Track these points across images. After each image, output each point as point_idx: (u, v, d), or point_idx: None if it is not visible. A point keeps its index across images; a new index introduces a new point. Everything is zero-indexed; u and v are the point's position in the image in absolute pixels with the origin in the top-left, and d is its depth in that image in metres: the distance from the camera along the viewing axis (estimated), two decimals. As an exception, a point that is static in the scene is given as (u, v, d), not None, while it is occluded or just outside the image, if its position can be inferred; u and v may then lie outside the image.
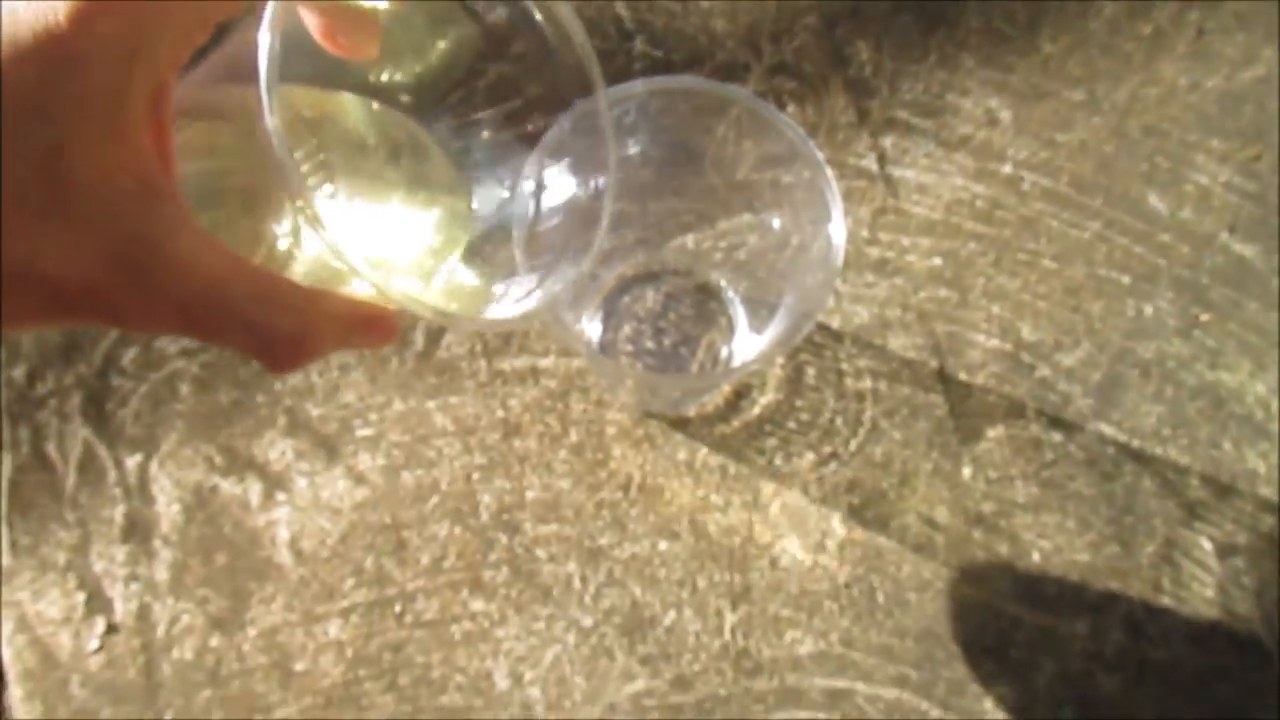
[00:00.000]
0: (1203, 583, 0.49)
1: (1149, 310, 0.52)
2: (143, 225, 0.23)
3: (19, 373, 0.52)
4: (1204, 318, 0.52)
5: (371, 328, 0.28)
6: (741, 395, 0.51)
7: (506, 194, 0.38)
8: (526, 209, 0.40)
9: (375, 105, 0.34)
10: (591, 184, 0.38)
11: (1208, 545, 0.49)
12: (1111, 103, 0.54)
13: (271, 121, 0.23)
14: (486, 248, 0.37)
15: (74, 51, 0.22)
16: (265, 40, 0.24)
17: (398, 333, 0.30)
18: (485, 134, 0.39)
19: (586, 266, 0.35)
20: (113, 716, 0.48)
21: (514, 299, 0.35)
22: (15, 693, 0.49)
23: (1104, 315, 0.52)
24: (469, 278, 0.36)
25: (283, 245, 0.28)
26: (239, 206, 0.28)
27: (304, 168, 0.29)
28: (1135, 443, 0.50)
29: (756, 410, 0.51)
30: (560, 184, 0.41)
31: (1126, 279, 0.52)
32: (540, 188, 0.41)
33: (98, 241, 0.23)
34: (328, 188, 0.30)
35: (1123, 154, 0.54)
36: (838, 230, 0.41)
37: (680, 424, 0.51)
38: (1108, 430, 0.50)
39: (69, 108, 0.22)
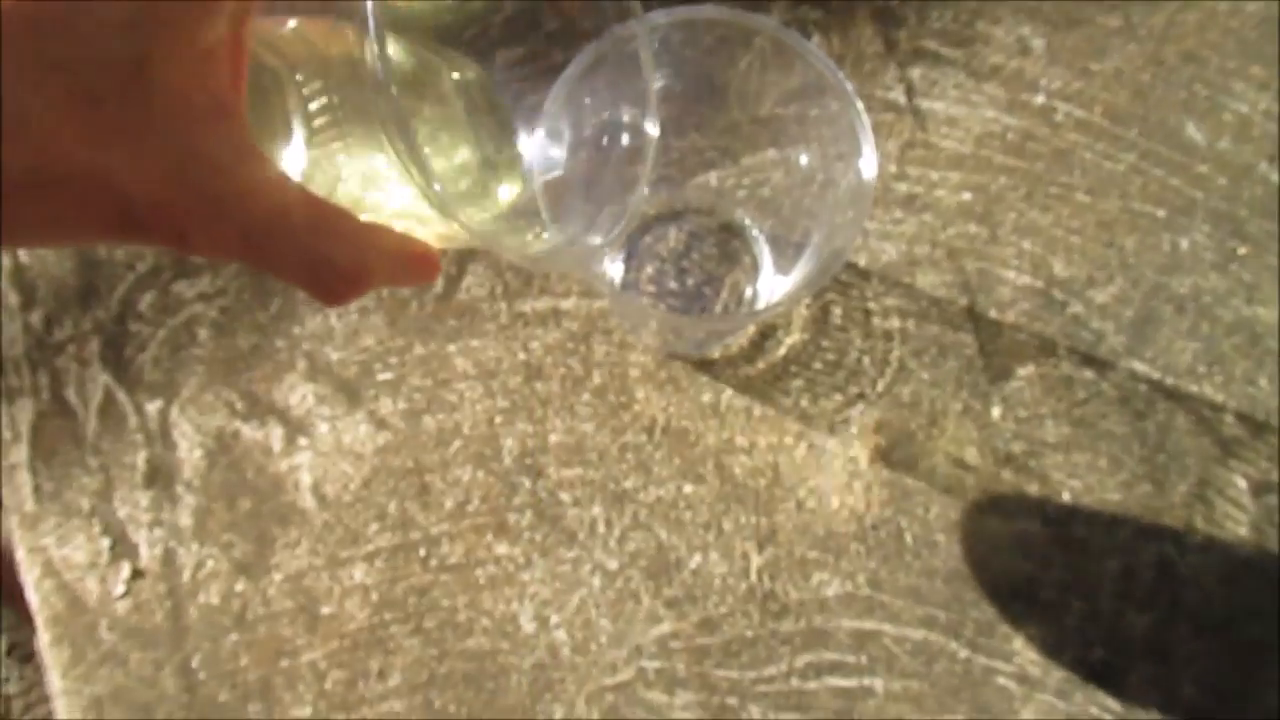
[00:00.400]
0: (1237, 521, 0.48)
1: (1185, 244, 0.50)
2: (214, 146, 0.23)
3: (36, 318, 0.51)
4: (1241, 251, 0.50)
5: (419, 264, 0.28)
6: (766, 336, 0.50)
7: (527, 134, 0.37)
8: (547, 149, 0.39)
9: (454, 55, 0.34)
10: (624, 117, 0.37)
11: (1242, 483, 0.48)
12: (1148, 29, 0.52)
13: (376, 50, 0.23)
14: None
15: None
16: None
17: (440, 270, 0.30)
18: (503, 71, 0.38)
19: (637, 201, 0.34)
20: (141, 659, 0.48)
21: (569, 237, 0.35)
22: (44, 637, 0.49)
23: (1138, 250, 0.50)
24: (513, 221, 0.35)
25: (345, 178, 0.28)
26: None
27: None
28: (1169, 380, 0.49)
29: (782, 351, 0.50)
30: (586, 119, 0.40)
31: (1162, 212, 0.51)
32: (563, 124, 0.40)
33: (170, 158, 0.22)
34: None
35: (1159, 82, 0.52)
36: (868, 165, 0.39)
37: (704, 366, 0.50)
38: (1141, 368, 0.49)
39: (157, 20, 0.22)
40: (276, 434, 0.50)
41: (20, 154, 0.21)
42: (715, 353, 0.50)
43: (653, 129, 0.35)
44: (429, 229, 0.28)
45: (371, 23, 0.23)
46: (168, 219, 0.23)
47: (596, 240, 0.34)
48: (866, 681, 0.47)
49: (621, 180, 0.37)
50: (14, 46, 0.21)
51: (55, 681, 0.49)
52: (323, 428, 0.50)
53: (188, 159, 0.23)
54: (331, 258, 0.25)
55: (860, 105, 0.39)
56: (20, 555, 0.49)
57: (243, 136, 0.24)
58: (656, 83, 0.44)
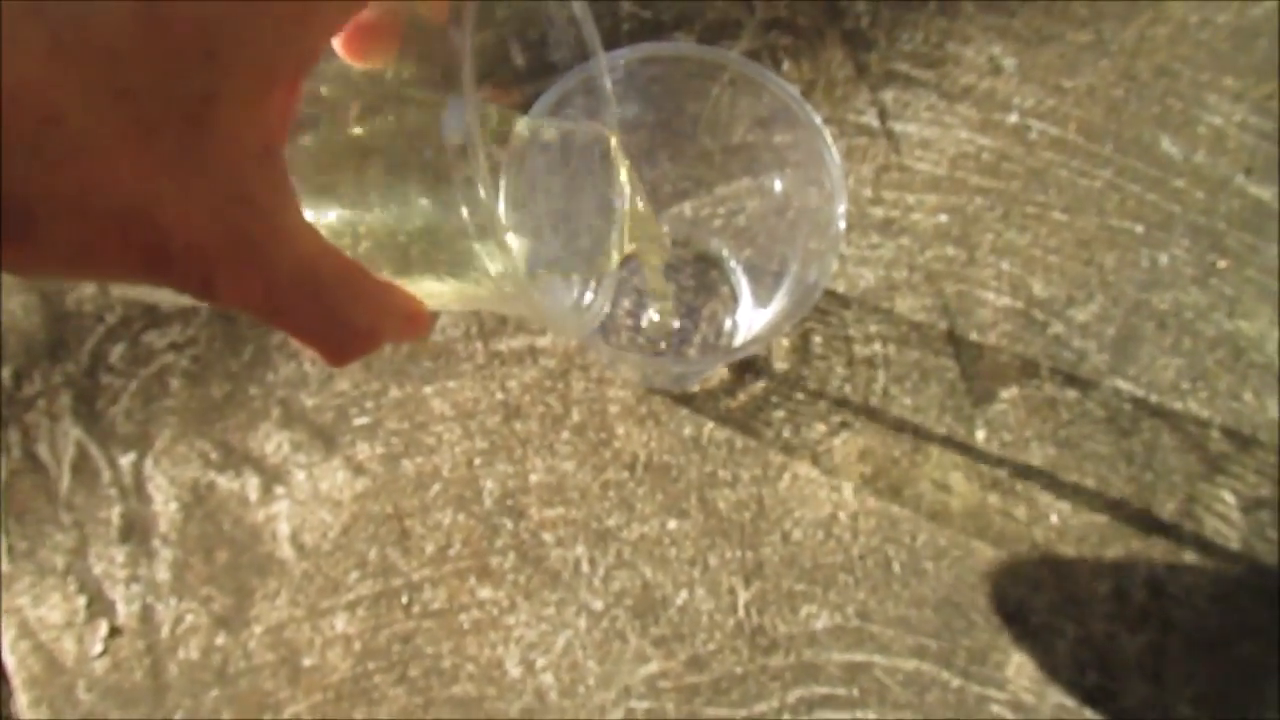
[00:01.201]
0: (1227, 538, 0.48)
1: (1164, 259, 0.50)
2: (258, 189, 0.22)
3: (5, 373, 0.50)
4: (1221, 265, 0.50)
5: (419, 323, 0.27)
6: (747, 367, 0.49)
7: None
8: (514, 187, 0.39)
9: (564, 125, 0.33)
10: (590, 155, 0.36)
11: (1231, 499, 0.48)
12: (1119, 44, 0.52)
13: (468, 113, 0.22)
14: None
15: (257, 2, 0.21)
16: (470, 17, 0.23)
17: (431, 328, 0.29)
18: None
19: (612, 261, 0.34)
20: (122, 719, 0.48)
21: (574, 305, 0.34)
22: (21, 699, 0.48)
23: (1117, 267, 0.50)
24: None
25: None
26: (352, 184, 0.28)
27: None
28: (1153, 397, 0.49)
29: (763, 382, 0.49)
30: (552, 157, 0.39)
31: (1140, 228, 0.50)
32: (527, 162, 0.39)
33: (215, 199, 0.22)
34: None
35: (1133, 97, 0.52)
36: (839, 194, 0.39)
37: (685, 399, 0.49)
38: (1125, 386, 0.49)
39: (234, 55, 0.21)
40: (253, 483, 0.49)
41: (71, 179, 0.20)
42: (695, 386, 0.49)
43: (620, 202, 0.35)
44: (445, 289, 0.27)
45: (468, 84, 0.23)
46: (199, 261, 0.22)
47: (596, 306, 0.33)
48: (859, 715, 0.46)
49: (595, 216, 0.36)
50: (89, 70, 0.20)
51: (35, 744, 0.48)
52: (299, 475, 0.49)
53: (232, 201, 0.22)
54: (349, 318, 0.24)
55: (828, 134, 0.39)
56: (-5, 617, 0.48)
57: (284, 182, 0.23)
58: (622, 115, 0.44)
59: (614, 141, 0.34)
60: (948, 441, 0.49)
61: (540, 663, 0.47)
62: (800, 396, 0.49)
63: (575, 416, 0.49)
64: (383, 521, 0.49)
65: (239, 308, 0.23)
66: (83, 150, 0.20)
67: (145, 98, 0.20)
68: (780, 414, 0.49)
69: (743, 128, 0.45)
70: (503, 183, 0.33)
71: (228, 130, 0.21)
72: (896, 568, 0.48)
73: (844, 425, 0.49)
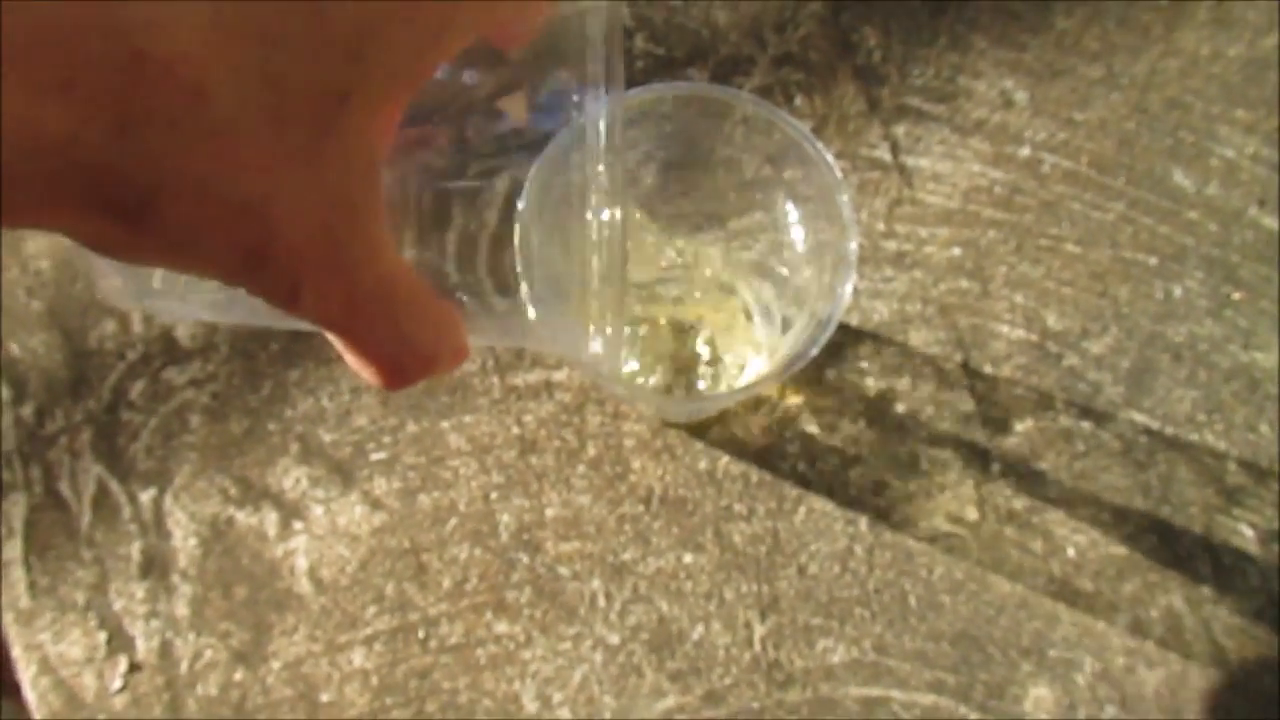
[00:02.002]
0: (1245, 571, 0.48)
1: (1178, 292, 0.50)
2: (362, 198, 0.22)
3: (27, 411, 0.51)
4: (1235, 296, 0.50)
5: (463, 354, 0.27)
6: (761, 400, 0.50)
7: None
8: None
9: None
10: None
11: (1249, 532, 0.48)
12: (1130, 77, 0.52)
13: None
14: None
15: (408, 6, 0.21)
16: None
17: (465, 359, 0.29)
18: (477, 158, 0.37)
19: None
20: (141, 755, 0.48)
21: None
22: (42, 735, 0.48)
23: (1131, 299, 0.50)
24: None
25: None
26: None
27: None
28: (1169, 430, 0.49)
29: (776, 415, 0.50)
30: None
31: (1153, 260, 0.50)
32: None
33: (324, 203, 0.21)
34: None
35: (1144, 130, 0.52)
36: (851, 229, 0.39)
37: (700, 433, 0.49)
38: (1140, 418, 0.49)
39: (377, 58, 0.21)
40: (271, 519, 0.50)
41: (202, 161, 0.20)
42: (710, 418, 0.50)
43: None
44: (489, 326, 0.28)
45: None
46: (294, 266, 0.22)
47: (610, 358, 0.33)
48: (876, 750, 0.46)
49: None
50: (243, 51, 0.20)
51: (55, 780, 0.48)
52: (317, 510, 0.50)
53: (337, 207, 0.22)
54: (414, 339, 0.24)
55: (839, 170, 0.39)
56: (16, 653, 0.49)
57: (379, 193, 0.23)
58: (635, 150, 0.44)
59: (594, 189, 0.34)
60: (963, 474, 0.49)
61: (557, 698, 0.47)
62: (815, 430, 0.49)
63: (591, 450, 0.50)
64: (400, 556, 0.49)
65: (312, 319, 0.23)
66: (220, 132, 0.20)
67: (288, 88, 0.20)
68: (795, 447, 0.49)
69: (755, 164, 0.45)
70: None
71: (352, 133, 0.21)
72: (913, 601, 0.48)
73: (859, 459, 0.49)
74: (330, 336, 0.24)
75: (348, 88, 0.21)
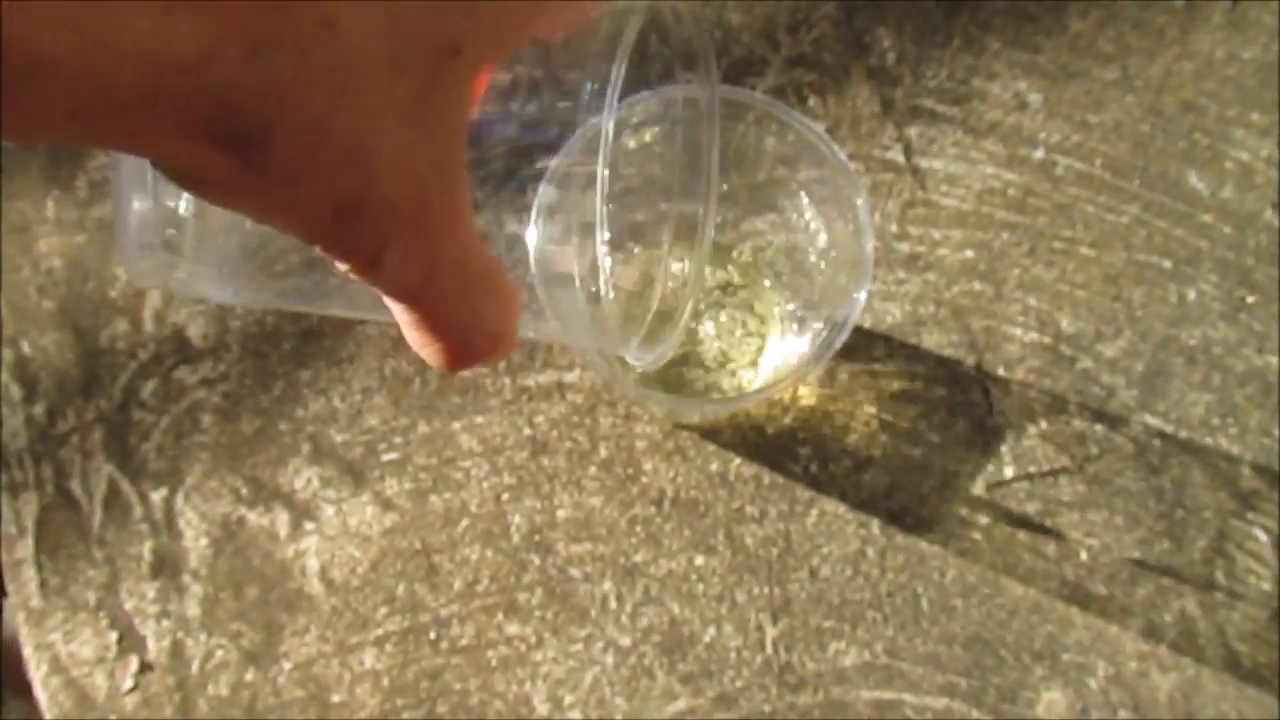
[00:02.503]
0: (1259, 576, 0.47)
1: (1192, 295, 0.50)
2: (453, 162, 0.22)
3: (39, 410, 0.51)
4: (1250, 300, 0.50)
5: (514, 339, 0.26)
6: (774, 402, 0.50)
7: (519, 223, 0.37)
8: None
9: None
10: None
11: (1263, 537, 0.48)
12: (1145, 79, 0.52)
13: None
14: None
15: None
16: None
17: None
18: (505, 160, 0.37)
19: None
20: (151, 755, 0.48)
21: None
22: (53, 734, 0.48)
23: (1145, 302, 0.50)
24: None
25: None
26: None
27: None
28: (1183, 433, 0.49)
29: (789, 417, 0.49)
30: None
31: (1168, 263, 0.50)
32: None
33: (422, 160, 0.21)
34: None
35: (1159, 133, 0.52)
36: (866, 231, 0.39)
37: (712, 435, 0.49)
38: (1154, 421, 0.49)
39: (491, 15, 0.21)
40: (282, 519, 0.50)
41: (323, 95, 0.19)
42: (723, 419, 0.50)
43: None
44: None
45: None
46: (384, 223, 0.21)
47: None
48: (888, 753, 0.46)
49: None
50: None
51: (65, 779, 0.48)
52: (329, 511, 0.50)
53: (433, 168, 0.21)
54: (486, 316, 0.24)
55: (854, 171, 0.39)
56: (27, 652, 0.49)
57: (463, 161, 0.22)
58: (647, 152, 0.44)
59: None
60: (976, 477, 0.49)
61: (568, 700, 0.47)
62: (827, 432, 0.49)
63: (603, 452, 0.49)
64: (411, 557, 0.49)
65: (389, 286, 0.22)
66: (344, 69, 0.19)
67: (409, 34, 0.20)
68: (807, 449, 0.49)
69: (768, 165, 0.45)
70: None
71: (454, 90, 0.21)
72: (925, 604, 0.47)
73: (871, 461, 0.49)
74: (397, 310, 0.23)
75: (460, 43, 0.21)
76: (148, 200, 0.27)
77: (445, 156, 0.22)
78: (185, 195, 0.28)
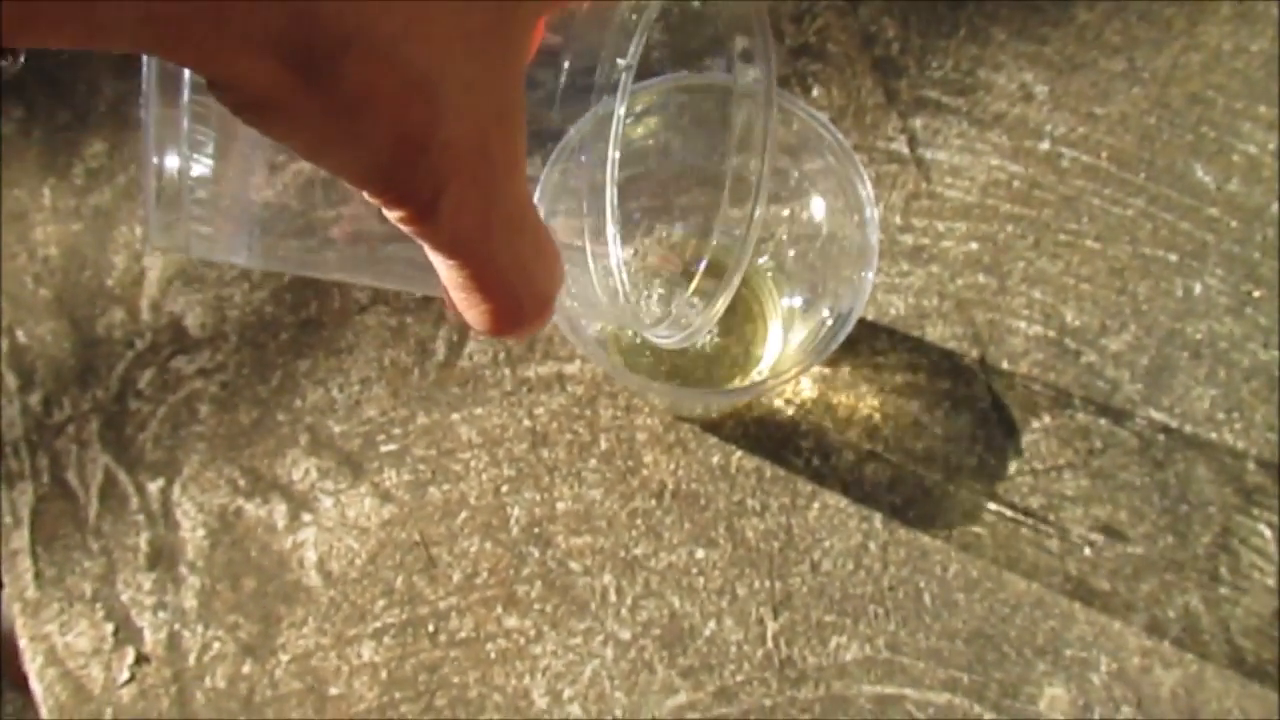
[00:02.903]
0: (1263, 571, 0.47)
1: (1198, 289, 0.50)
2: (516, 112, 0.21)
3: (35, 399, 0.51)
4: (1256, 294, 0.49)
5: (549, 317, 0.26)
6: (776, 394, 0.49)
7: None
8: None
9: None
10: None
11: (1267, 532, 0.47)
12: (1152, 71, 0.52)
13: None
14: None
15: None
16: None
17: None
18: None
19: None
20: (148, 747, 0.48)
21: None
22: (48, 726, 0.48)
23: (1151, 296, 0.50)
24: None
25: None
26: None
27: None
28: (1188, 428, 0.48)
29: (791, 410, 0.49)
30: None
31: (1173, 257, 0.50)
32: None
33: (486, 104, 0.20)
34: None
35: (1165, 125, 0.51)
36: (871, 222, 0.39)
37: (713, 427, 0.49)
38: (1158, 416, 0.48)
39: None
40: (280, 510, 0.49)
41: (399, 18, 0.18)
42: (724, 411, 0.49)
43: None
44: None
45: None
46: (444, 167, 0.20)
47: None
48: (890, 749, 0.46)
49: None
50: None
51: (61, 771, 0.48)
52: (327, 502, 0.49)
53: (496, 116, 0.21)
54: (537, 276, 0.23)
55: (859, 161, 0.39)
56: (23, 644, 0.48)
57: (523, 116, 0.22)
58: (650, 141, 0.44)
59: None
60: (979, 471, 0.48)
61: (567, 693, 0.47)
62: (830, 425, 0.49)
63: (603, 444, 0.49)
64: (409, 549, 0.49)
65: (440, 237, 0.22)
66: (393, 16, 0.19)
67: None
68: (809, 442, 0.49)
69: (772, 154, 0.44)
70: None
71: (520, 31, 0.21)
72: (927, 599, 0.47)
73: (874, 454, 0.48)
74: (444, 267, 0.22)
75: None
76: (178, 156, 0.26)
77: (507, 102, 0.21)
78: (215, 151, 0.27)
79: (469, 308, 0.23)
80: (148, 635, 0.48)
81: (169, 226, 0.27)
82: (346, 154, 0.20)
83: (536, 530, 0.48)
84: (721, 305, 0.34)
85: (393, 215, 0.21)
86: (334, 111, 0.19)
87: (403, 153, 0.20)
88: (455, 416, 0.50)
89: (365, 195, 0.21)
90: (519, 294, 0.23)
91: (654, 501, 0.48)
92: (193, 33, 0.18)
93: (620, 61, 0.26)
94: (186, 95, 0.24)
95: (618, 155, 0.26)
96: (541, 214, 0.34)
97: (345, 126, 0.20)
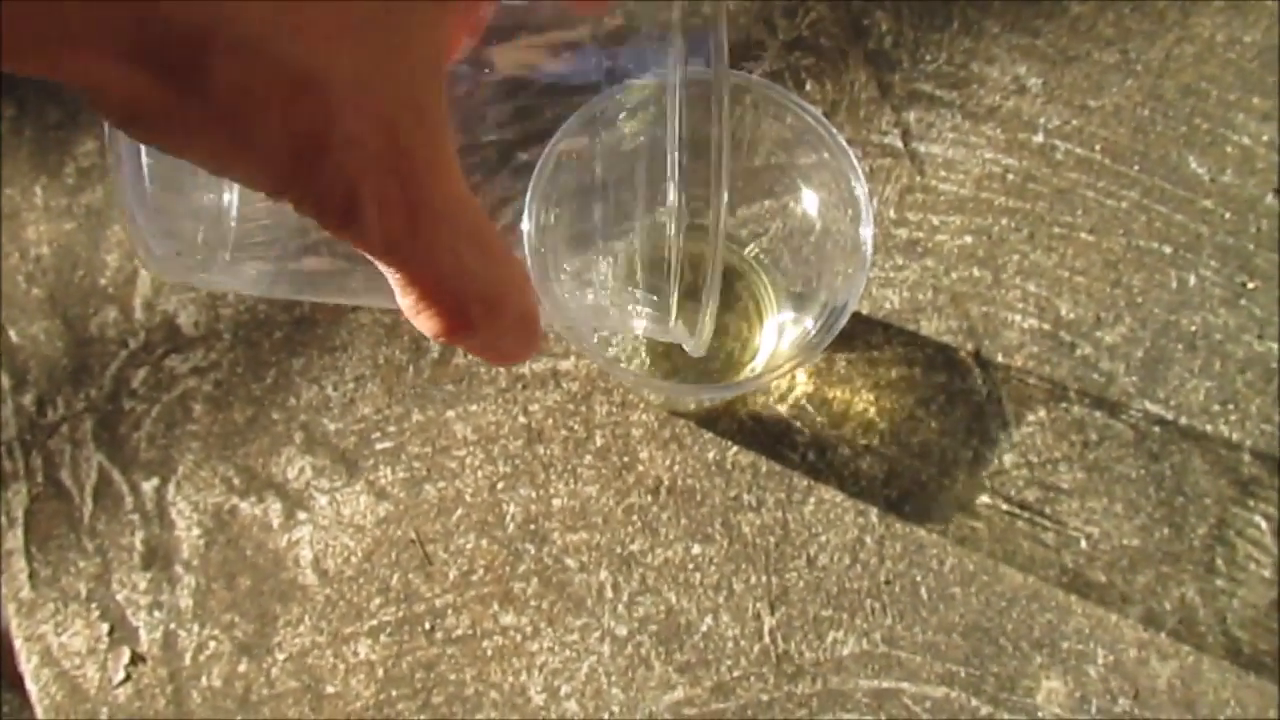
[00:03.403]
0: (1259, 563, 0.47)
1: (1192, 280, 0.50)
2: (430, 103, 0.20)
3: (28, 399, 0.50)
4: (1251, 285, 0.49)
5: (533, 328, 0.24)
6: (771, 389, 0.49)
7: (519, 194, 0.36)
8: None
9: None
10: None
11: (1263, 524, 0.47)
12: (1145, 63, 0.52)
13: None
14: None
15: None
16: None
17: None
18: (493, 130, 0.37)
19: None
20: (144, 747, 0.47)
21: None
22: (44, 726, 0.48)
23: (1145, 288, 0.50)
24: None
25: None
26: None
27: None
28: (1183, 420, 0.48)
29: (787, 405, 0.49)
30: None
31: (1168, 249, 0.50)
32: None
33: (388, 96, 0.19)
34: None
35: (1159, 117, 0.51)
36: (865, 216, 0.39)
37: (709, 422, 0.49)
38: (1154, 408, 0.48)
39: None
40: (275, 509, 0.49)
41: (264, 9, 0.17)
42: (719, 407, 0.49)
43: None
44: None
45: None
46: (353, 164, 0.19)
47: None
48: (887, 743, 0.46)
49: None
50: None
51: (57, 771, 0.48)
52: (322, 500, 0.49)
53: (403, 106, 0.20)
54: (481, 278, 0.22)
55: (854, 156, 0.39)
56: (18, 644, 0.48)
57: (445, 108, 0.21)
58: (642, 138, 0.44)
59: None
60: (975, 465, 0.48)
61: (564, 690, 0.47)
62: (825, 419, 0.49)
63: (598, 440, 0.49)
64: (405, 547, 0.48)
65: (370, 239, 0.21)
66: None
67: None
68: (805, 437, 0.49)
69: (765, 150, 0.44)
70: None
71: (416, 26, 0.20)
72: (924, 593, 0.47)
73: (869, 448, 0.48)
74: (387, 271, 0.22)
75: None
76: (173, 194, 0.26)
77: (418, 97, 0.20)
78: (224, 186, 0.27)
79: (415, 315, 0.22)
80: (143, 635, 0.48)
81: (164, 263, 0.26)
82: (245, 161, 0.20)
83: (532, 527, 0.48)
84: (708, 301, 0.34)
85: (319, 222, 0.20)
86: (215, 117, 0.18)
87: (302, 153, 0.19)
88: (450, 413, 0.50)
89: (289, 206, 0.20)
90: (462, 298, 0.22)
91: (650, 497, 0.48)
92: (41, 40, 0.17)
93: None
94: None
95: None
96: (530, 224, 0.34)
97: (233, 131, 0.19)
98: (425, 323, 0.22)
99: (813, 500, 0.48)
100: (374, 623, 0.48)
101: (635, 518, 0.48)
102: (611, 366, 0.40)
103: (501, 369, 0.50)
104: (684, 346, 0.34)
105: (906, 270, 0.50)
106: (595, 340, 0.46)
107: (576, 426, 0.49)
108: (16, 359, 0.51)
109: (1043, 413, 0.49)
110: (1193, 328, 0.49)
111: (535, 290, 0.30)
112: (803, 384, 0.49)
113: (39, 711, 0.48)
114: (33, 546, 0.49)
